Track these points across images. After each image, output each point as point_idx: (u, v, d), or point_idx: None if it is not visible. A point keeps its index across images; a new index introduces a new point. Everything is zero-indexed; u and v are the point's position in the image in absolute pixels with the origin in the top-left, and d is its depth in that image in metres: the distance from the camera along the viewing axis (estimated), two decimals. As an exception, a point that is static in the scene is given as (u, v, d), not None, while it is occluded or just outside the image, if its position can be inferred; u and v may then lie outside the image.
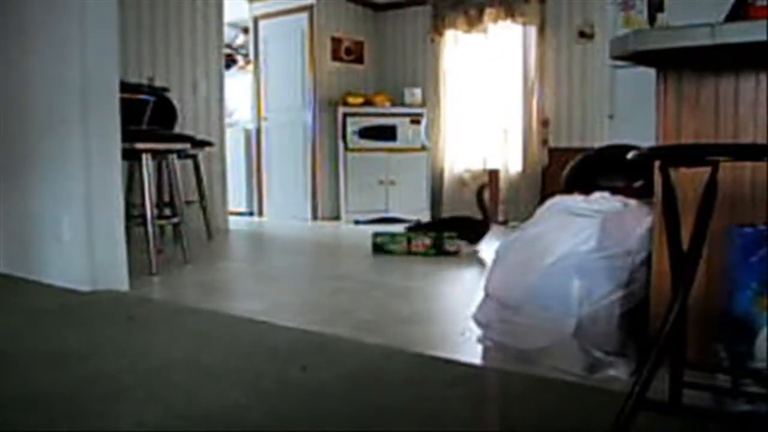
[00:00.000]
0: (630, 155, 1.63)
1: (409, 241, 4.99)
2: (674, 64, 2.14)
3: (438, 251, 4.91)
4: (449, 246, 4.93)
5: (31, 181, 3.87)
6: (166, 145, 4.34)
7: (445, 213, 7.49)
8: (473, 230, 5.19)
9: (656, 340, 1.48)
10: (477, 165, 7.45)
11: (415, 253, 4.93)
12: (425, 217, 7.28)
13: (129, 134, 3.85)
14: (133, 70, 5.63)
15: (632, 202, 2.40)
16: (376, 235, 5.14)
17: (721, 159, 1.45)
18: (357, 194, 7.40)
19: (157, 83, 5.54)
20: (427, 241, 4.94)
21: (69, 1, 3.51)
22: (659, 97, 2.21)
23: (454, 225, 5.27)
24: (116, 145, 3.62)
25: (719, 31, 1.78)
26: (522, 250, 2.45)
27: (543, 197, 5.63)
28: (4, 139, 4.06)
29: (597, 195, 2.47)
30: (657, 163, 1.86)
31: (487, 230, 5.25)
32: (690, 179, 1.93)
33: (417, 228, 5.39)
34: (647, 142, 2.08)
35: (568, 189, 2.76)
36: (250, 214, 8.16)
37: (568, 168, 3.01)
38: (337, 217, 7.57)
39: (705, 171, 1.48)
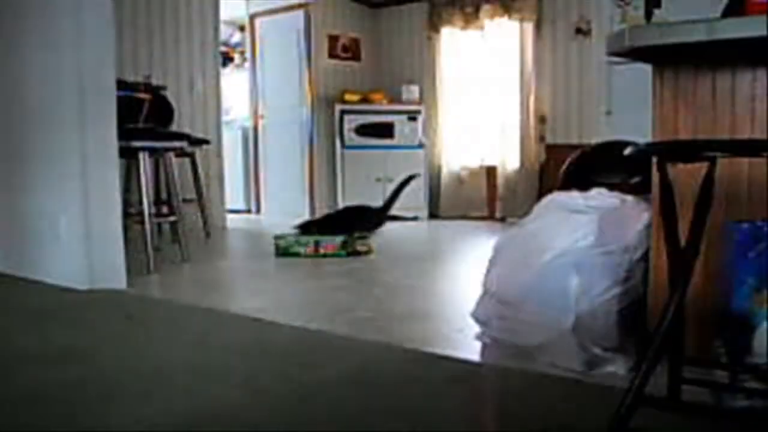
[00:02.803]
0: (627, 151, 1.63)
1: (316, 243, 4.65)
2: (671, 59, 2.14)
3: (348, 252, 4.64)
4: (360, 246, 4.69)
5: (28, 179, 3.86)
6: (163, 143, 4.34)
7: (443, 210, 7.50)
8: (368, 220, 5.13)
9: (655, 336, 1.49)
10: (474, 162, 7.45)
11: (324, 255, 4.61)
12: (423, 214, 7.29)
13: (126, 132, 3.84)
14: (129, 68, 5.62)
15: (630, 198, 2.40)
16: (277, 237, 4.77)
17: (719, 154, 1.45)
18: (354, 192, 7.38)
19: (154, 81, 5.52)
20: (337, 242, 4.65)
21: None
22: (655, 93, 2.20)
23: (345, 217, 5.16)
24: (113, 144, 3.61)
25: (716, 27, 1.78)
26: (520, 247, 2.46)
27: (540, 194, 5.62)
28: (1, 137, 4.05)
29: (594, 191, 2.47)
30: (655, 159, 1.86)
31: (383, 219, 5.23)
32: (687, 175, 1.93)
33: (307, 226, 5.19)
34: (645, 138, 2.08)
35: (566, 185, 2.76)
36: (248, 211, 8.16)
37: (565, 164, 3.01)
38: (334, 215, 7.56)
39: (702, 167, 1.48)
